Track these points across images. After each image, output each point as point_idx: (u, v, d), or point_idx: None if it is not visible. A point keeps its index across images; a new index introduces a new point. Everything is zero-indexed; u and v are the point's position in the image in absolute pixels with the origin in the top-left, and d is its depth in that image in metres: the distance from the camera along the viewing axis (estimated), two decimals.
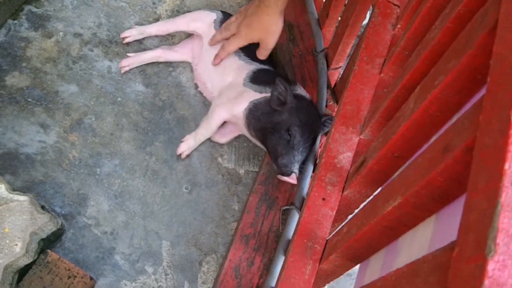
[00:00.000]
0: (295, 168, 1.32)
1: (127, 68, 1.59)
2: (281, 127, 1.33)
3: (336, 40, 1.48)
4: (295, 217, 1.29)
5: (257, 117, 1.37)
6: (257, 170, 1.55)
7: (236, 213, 1.48)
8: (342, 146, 0.87)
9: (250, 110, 1.39)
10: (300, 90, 1.44)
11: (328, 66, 1.54)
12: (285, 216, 1.32)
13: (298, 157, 1.33)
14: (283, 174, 1.30)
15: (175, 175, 1.51)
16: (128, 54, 1.61)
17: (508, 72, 0.43)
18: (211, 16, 1.60)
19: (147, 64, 1.63)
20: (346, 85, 0.93)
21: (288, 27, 1.62)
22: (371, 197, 0.84)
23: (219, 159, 1.56)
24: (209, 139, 1.54)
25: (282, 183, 1.37)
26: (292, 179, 1.31)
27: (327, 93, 1.49)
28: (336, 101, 1.51)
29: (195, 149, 1.55)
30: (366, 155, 0.81)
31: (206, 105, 1.62)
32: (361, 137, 0.93)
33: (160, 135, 1.55)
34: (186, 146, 1.48)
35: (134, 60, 1.60)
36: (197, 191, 1.50)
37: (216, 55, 1.49)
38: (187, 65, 1.67)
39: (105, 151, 1.48)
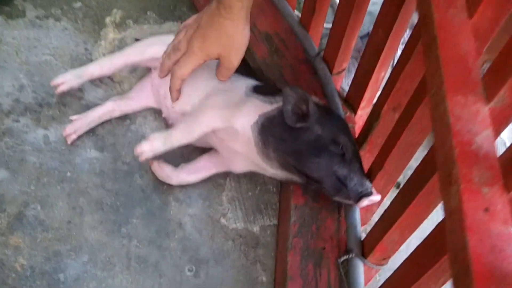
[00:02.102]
0: (368, 181, 0.99)
1: (74, 136, 1.21)
2: (324, 143, 1.00)
3: (335, 35, 1.18)
4: (359, 268, 0.93)
5: (278, 135, 1.02)
6: (275, 222, 1.18)
7: (266, 287, 1.09)
8: (472, 123, 0.54)
9: (263, 126, 1.04)
10: None
11: (330, 71, 1.23)
12: (343, 271, 0.95)
13: (361, 168, 1.01)
14: (365, 196, 0.97)
15: (170, 257, 1.10)
16: (71, 117, 1.22)
17: None
18: (172, 39, 1.26)
19: (97, 125, 1.25)
20: (433, 42, 0.61)
21: (265, 39, 1.31)
22: None
23: (222, 220, 1.18)
24: (198, 191, 1.17)
25: (323, 227, 1.01)
26: (376, 195, 0.98)
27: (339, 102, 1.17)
28: (353, 110, 1.19)
29: (187, 215, 1.16)
30: None
31: (187, 156, 1.25)
32: (491, 105, 0.61)
33: (135, 208, 1.15)
34: (149, 146, 1.07)
35: (81, 123, 1.22)
36: (205, 271, 1.10)
37: (170, 88, 1.12)
38: (148, 113, 1.31)
39: (65, 248, 1.07)
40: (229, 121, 1.06)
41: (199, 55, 1.06)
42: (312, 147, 0.99)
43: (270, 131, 1.02)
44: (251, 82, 1.15)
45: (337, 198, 1.01)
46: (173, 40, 1.14)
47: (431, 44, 0.64)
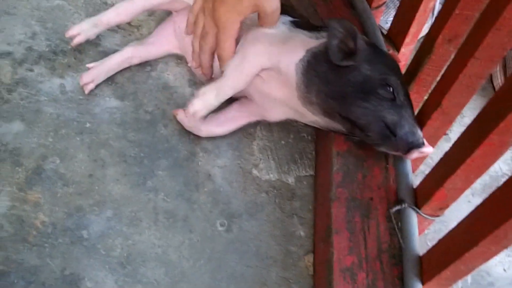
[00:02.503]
0: (420, 130, 0.89)
1: (92, 86, 1.12)
2: (372, 84, 0.89)
3: None
4: (412, 219, 0.84)
5: (323, 75, 0.91)
6: (312, 173, 1.09)
7: (305, 241, 1.01)
8: None
9: (309, 63, 0.93)
10: None
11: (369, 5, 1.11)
12: (395, 222, 0.86)
13: (413, 116, 0.91)
14: (416, 147, 0.88)
15: (200, 210, 1.02)
16: (88, 65, 1.13)
17: None
18: None
19: (116, 72, 1.16)
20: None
21: None
22: None
23: (255, 172, 1.09)
24: (227, 140, 1.08)
25: (370, 176, 0.91)
26: (429, 147, 0.89)
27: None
28: (396, 47, 1.08)
29: (216, 166, 1.08)
30: None
31: None
32: None
33: (160, 159, 1.07)
34: (202, 103, 0.97)
35: (99, 71, 1.12)
36: (238, 225, 1.02)
37: (220, 68, 1.02)
38: (169, 59, 1.21)
39: (87, 203, 0.99)
40: (277, 60, 0.96)
41: (232, 22, 0.96)
42: (359, 89, 0.89)
43: (314, 71, 0.92)
44: (288, 18, 1.04)
45: (383, 149, 0.91)
46: (195, 29, 1.04)
47: None
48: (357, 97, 0.89)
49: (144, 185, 1.04)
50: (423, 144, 0.87)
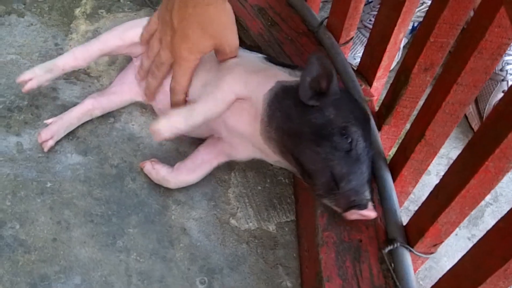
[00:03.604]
0: (369, 192, 0.83)
1: (52, 143, 1.05)
2: (331, 130, 0.84)
3: (339, 2, 1.04)
4: (406, 258, 0.80)
5: (286, 110, 0.87)
6: (293, 218, 1.04)
7: None
8: None
9: (276, 95, 0.89)
10: None
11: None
12: (388, 263, 0.81)
13: (366, 174, 0.84)
14: (357, 208, 0.82)
15: (177, 269, 0.96)
16: (46, 121, 1.07)
17: None
18: None
19: (77, 126, 1.10)
20: None
21: (259, 12, 1.17)
22: None
23: (233, 221, 1.03)
24: (201, 190, 1.03)
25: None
26: (371, 211, 0.83)
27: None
28: (368, 82, 1.06)
29: (191, 218, 1.02)
30: None
31: (182, 152, 1.10)
32: None
33: (130, 216, 1.00)
34: (168, 124, 0.91)
35: (58, 126, 1.06)
36: (220, 281, 0.95)
37: (173, 105, 1.00)
38: (133, 108, 1.16)
39: (52, 270, 0.91)
40: (250, 87, 0.92)
41: (191, 58, 0.95)
42: (316, 132, 0.84)
43: (279, 104, 0.88)
44: (260, 54, 1.02)
45: (325, 201, 0.86)
46: (147, 54, 1.02)
47: None
48: (311, 140, 0.84)
49: (114, 246, 0.96)
50: (366, 206, 0.82)
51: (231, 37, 0.95)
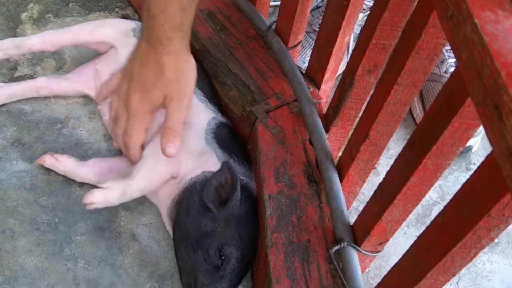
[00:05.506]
0: None
1: None
2: (210, 242, 0.87)
3: (287, 3, 1.05)
4: (354, 258, 0.80)
5: (190, 203, 0.91)
6: None
7: None
8: (510, 41, 0.43)
9: (194, 184, 0.93)
10: (249, 178, 0.98)
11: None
12: (336, 263, 0.81)
13: None
14: None
15: (127, 275, 0.94)
16: None
17: None
18: (127, 23, 1.13)
19: (23, 132, 1.08)
20: None
21: (208, 16, 1.17)
22: None
23: None
24: None
25: (305, 216, 0.87)
26: None
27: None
28: (316, 85, 1.07)
29: (141, 224, 1.00)
30: None
31: None
32: None
33: (78, 223, 0.98)
34: (102, 198, 0.89)
35: (2, 90, 1.08)
36: (170, 287, 0.94)
37: (130, 158, 0.98)
38: (80, 114, 1.13)
39: None
40: (184, 170, 0.95)
41: (142, 110, 0.91)
42: (197, 237, 0.87)
43: (190, 194, 0.91)
44: (214, 117, 1.03)
45: None
46: (110, 111, 1.00)
47: None
48: (191, 243, 0.87)
49: (61, 254, 0.94)
50: None
51: (184, 91, 0.90)
